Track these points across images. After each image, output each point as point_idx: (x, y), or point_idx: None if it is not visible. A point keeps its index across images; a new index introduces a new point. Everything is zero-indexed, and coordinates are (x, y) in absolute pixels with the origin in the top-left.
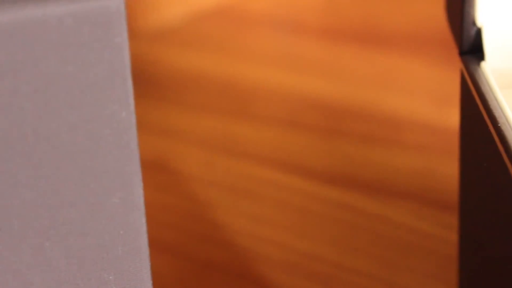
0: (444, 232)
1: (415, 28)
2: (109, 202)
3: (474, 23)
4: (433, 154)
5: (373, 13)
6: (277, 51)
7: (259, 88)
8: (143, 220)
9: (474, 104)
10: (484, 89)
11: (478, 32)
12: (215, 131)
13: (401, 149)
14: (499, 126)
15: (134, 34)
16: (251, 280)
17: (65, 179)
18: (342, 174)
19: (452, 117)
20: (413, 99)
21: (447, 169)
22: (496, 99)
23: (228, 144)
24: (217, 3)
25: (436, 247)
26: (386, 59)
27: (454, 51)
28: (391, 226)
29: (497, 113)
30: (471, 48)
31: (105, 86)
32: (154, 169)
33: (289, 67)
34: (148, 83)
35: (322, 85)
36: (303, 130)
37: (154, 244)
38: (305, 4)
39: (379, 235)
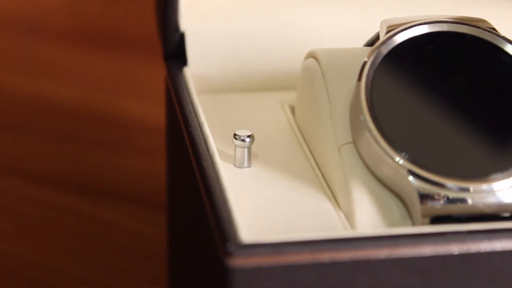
0: (160, 234)
1: (150, 33)
2: None
3: (177, 28)
4: (158, 157)
5: (113, 17)
6: (14, 54)
7: None
8: None
9: (174, 107)
10: (182, 93)
11: (182, 37)
12: None
13: (129, 152)
14: (190, 130)
15: None
16: None
17: None
18: (66, 178)
19: None
20: (144, 102)
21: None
22: (192, 104)
23: None
24: None
25: (154, 249)
26: (122, 63)
27: None
28: (112, 230)
29: (190, 117)
30: (175, 53)
31: None
32: None
33: (23, 70)
34: None
35: (57, 89)
36: (32, 134)
37: None
38: (45, 7)
39: (99, 239)
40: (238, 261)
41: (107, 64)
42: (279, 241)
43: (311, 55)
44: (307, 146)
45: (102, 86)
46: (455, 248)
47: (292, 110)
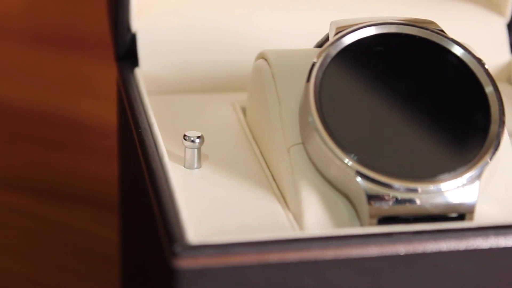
0: (114, 235)
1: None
2: None
3: (128, 29)
4: (112, 158)
5: (69, 17)
6: None
7: None
8: None
9: (125, 108)
10: (132, 94)
11: (133, 38)
12: None
13: (83, 153)
14: (140, 131)
15: None
16: None
17: None
18: (19, 179)
19: None
20: (100, 103)
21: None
22: (142, 105)
23: None
24: None
25: (107, 250)
26: (78, 63)
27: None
28: (65, 231)
29: (140, 118)
30: (127, 53)
31: None
32: None
33: None
34: None
35: (11, 89)
36: None
37: None
38: (3, 7)
39: (53, 240)
40: (184, 262)
41: (63, 64)
42: (226, 242)
43: (262, 56)
44: (258, 147)
45: (57, 87)
46: (402, 249)
47: (244, 111)
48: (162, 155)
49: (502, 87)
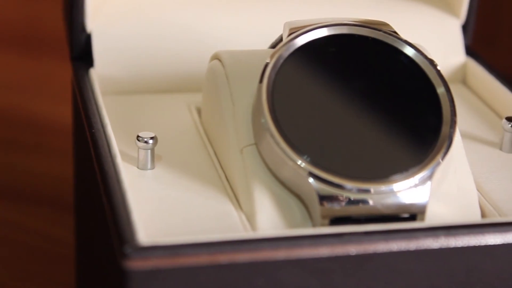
0: (70, 236)
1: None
2: None
3: (83, 29)
4: (69, 159)
5: (27, 18)
6: None
7: None
8: None
9: (80, 109)
10: (87, 95)
11: (88, 38)
12: None
13: (40, 154)
14: (93, 132)
15: None
16: None
17: None
18: None
19: None
20: (57, 104)
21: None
22: (96, 105)
23: None
24: None
25: (63, 251)
26: (35, 64)
27: None
28: (21, 232)
29: (94, 119)
30: (82, 54)
31: None
32: None
33: None
34: None
35: None
36: None
37: None
38: None
39: (8, 241)
40: (135, 264)
41: (20, 65)
42: (177, 243)
43: (216, 57)
44: (212, 148)
45: (15, 87)
46: (352, 249)
47: (199, 112)
48: (114, 156)
49: (457, 88)
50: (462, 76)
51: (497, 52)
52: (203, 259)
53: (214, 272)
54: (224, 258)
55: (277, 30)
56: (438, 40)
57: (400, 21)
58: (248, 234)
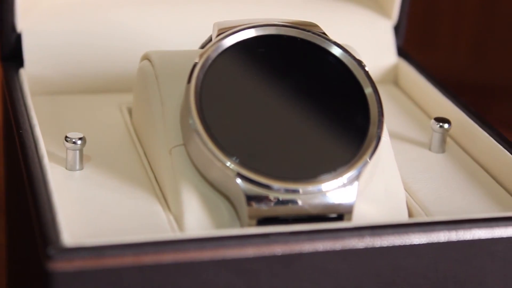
0: (2, 237)
1: None
2: None
3: (14, 30)
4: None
5: None
6: None
7: None
8: None
9: (8, 109)
10: (16, 95)
11: (18, 38)
12: None
13: None
14: (21, 132)
15: None
16: None
17: None
18: None
19: None
20: None
21: None
22: (25, 106)
23: None
24: None
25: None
26: None
27: None
28: None
29: (22, 119)
30: (12, 54)
31: None
32: None
33: None
34: None
35: None
36: None
37: None
38: None
39: None
40: (58, 265)
41: None
42: (101, 244)
43: (146, 57)
44: (142, 148)
45: None
46: (278, 249)
47: (130, 112)
48: (42, 157)
49: (388, 88)
50: (394, 77)
51: (435, 53)
52: (127, 260)
53: (139, 273)
54: (149, 259)
55: (209, 30)
56: (369, 41)
57: (333, 22)
58: (173, 235)
